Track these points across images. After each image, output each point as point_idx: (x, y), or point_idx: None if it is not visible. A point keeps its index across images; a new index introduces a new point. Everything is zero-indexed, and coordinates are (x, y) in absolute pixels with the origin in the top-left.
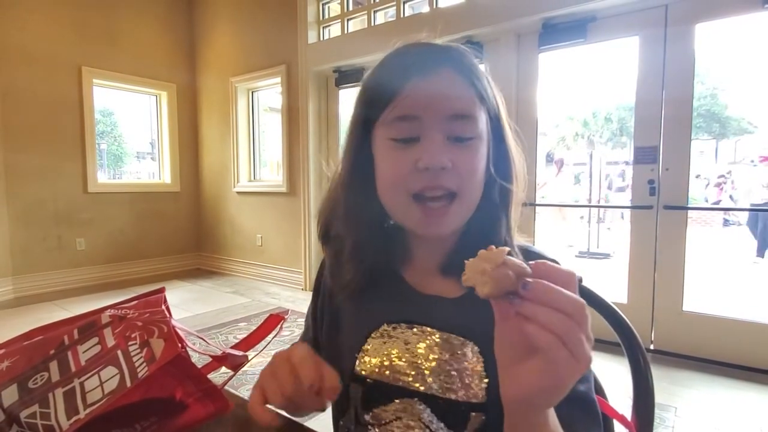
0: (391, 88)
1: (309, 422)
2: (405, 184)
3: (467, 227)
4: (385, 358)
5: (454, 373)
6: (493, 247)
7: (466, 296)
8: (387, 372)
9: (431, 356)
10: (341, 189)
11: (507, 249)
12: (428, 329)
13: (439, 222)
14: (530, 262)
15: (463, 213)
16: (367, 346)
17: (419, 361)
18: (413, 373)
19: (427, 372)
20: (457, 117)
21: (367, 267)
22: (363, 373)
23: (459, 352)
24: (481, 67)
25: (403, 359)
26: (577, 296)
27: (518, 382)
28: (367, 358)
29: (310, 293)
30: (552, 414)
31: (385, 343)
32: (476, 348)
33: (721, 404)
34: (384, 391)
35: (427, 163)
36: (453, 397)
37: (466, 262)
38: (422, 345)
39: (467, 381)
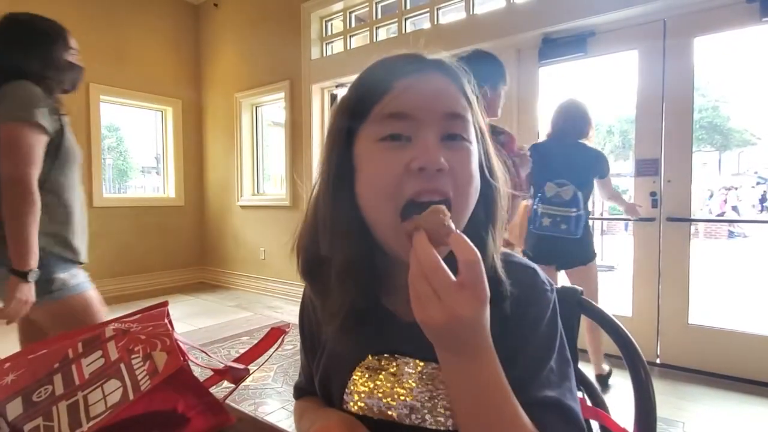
0: (379, 88)
1: None
2: (397, 189)
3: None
4: (371, 393)
5: (442, 403)
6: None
7: None
8: (375, 407)
9: (418, 388)
10: (324, 206)
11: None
12: (413, 360)
13: None
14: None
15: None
16: (352, 382)
17: (406, 394)
18: (401, 406)
19: (415, 404)
20: (452, 116)
21: (359, 290)
22: (352, 409)
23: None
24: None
25: (391, 392)
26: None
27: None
28: (354, 395)
29: None
30: (484, 368)
31: (370, 376)
32: None
33: (730, 419)
34: (374, 426)
35: (423, 162)
36: (443, 428)
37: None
38: (408, 377)
39: None
